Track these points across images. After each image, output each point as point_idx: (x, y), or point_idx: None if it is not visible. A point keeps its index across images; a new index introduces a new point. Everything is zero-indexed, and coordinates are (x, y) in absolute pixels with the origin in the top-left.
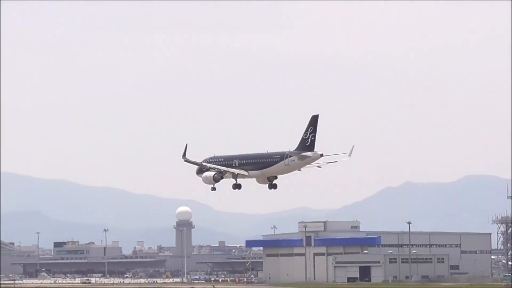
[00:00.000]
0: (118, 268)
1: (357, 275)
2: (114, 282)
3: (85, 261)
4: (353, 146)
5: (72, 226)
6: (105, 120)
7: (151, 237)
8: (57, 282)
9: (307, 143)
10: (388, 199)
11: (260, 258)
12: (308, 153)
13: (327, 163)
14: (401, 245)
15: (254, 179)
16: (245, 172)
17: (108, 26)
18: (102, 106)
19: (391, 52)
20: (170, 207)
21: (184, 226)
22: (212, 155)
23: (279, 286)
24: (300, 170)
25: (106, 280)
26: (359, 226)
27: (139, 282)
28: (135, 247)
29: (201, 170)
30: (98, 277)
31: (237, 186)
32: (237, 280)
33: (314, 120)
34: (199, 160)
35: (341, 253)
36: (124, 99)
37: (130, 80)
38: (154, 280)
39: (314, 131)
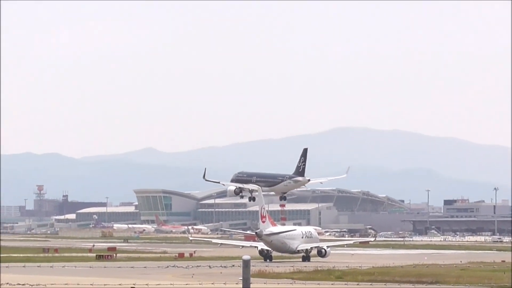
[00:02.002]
0: (507, 227)
1: None
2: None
3: (475, 219)
4: (348, 167)
5: (462, 183)
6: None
7: None
8: (446, 240)
9: (300, 169)
10: None
11: None
12: (299, 178)
13: (328, 179)
14: None
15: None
16: (258, 188)
17: None
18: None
19: None
20: None
21: None
22: (241, 171)
23: None
24: (305, 187)
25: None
26: None
27: None
28: None
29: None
30: (487, 235)
31: (252, 199)
32: None
33: (304, 152)
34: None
35: None
36: None
37: None
38: None
39: (305, 160)
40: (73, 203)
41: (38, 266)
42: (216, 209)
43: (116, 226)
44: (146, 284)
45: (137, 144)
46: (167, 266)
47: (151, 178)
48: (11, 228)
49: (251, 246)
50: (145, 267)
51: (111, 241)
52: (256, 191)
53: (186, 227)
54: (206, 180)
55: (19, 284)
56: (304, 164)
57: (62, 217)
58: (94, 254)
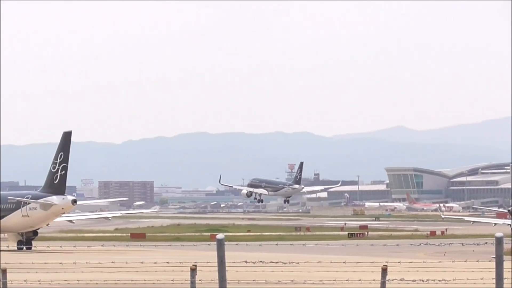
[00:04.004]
0: None
1: None
2: None
3: None
4: (340, 181)
5: None
6: None
7: None
8: None
9: (297, 179)
10: None
11: None
12: (296, 186)
13: (324, 187)
14: None
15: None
16: (266, 192)
17: None
18: None
19: None
20: None
21: None
22: (255, 177)
23: None
24: (300, 192)
25: None
26: None
27: None
28: None
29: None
30: None
31: (260, 201)
32: None
33: (301, 165)
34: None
35: None
36: None
37: None
38: None
39: (301, 172)
40: (324, 182)
41: (290, 245)
42: (468, 187)
43: (367, 204)
44: (399, 262)
45: (387, 122)
46: (419, 244)
47: (402, 156)
48: (263, 207)
49: (503, 224)
50: (397, 245)
51: (363, 219)
52: (265, 194)
53: (437, 205)
54: (222, 185)
55: (272, 262)
56: (300, 175)
57: (313, 195)
58: (346, 233)
